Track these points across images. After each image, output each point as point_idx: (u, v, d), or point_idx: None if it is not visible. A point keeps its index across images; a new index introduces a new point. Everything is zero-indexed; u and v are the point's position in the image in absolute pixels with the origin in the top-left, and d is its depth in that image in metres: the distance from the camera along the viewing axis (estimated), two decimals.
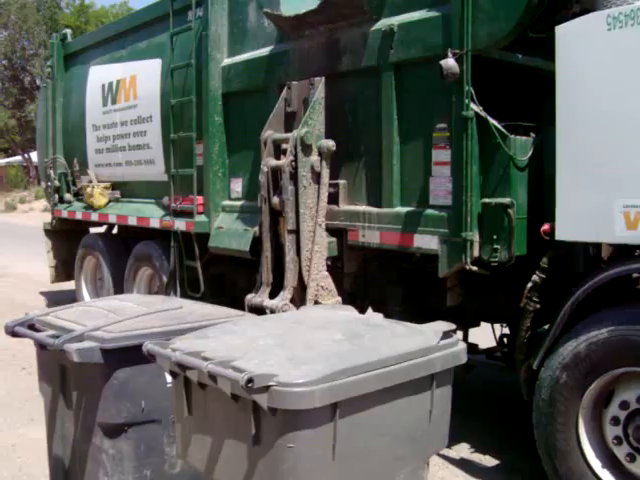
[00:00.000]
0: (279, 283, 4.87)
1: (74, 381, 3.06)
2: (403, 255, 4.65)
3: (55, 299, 9.53)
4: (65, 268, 9.14)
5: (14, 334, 3.19)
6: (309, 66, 5.03)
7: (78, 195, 8.54)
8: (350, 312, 3.07)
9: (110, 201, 7.91)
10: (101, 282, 8.08)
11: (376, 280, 5.13)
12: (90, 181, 8.15)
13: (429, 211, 4.26)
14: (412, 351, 2.44)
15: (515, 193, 3.87)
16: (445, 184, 4.15)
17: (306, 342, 2.45)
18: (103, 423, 2.96)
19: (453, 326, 2.69)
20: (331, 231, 4.93)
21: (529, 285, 3.83)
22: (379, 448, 2.38)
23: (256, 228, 5.52)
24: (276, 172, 4.83)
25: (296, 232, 4.73)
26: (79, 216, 8.27)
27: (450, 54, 3.89)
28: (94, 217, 7.95)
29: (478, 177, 3.98)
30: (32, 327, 3.21)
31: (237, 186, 6.02)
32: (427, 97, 4.28)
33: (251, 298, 4.88)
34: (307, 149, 4.74)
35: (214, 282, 6.48)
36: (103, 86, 7.84)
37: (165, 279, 6.70)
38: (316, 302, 4.84)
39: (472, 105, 3.90)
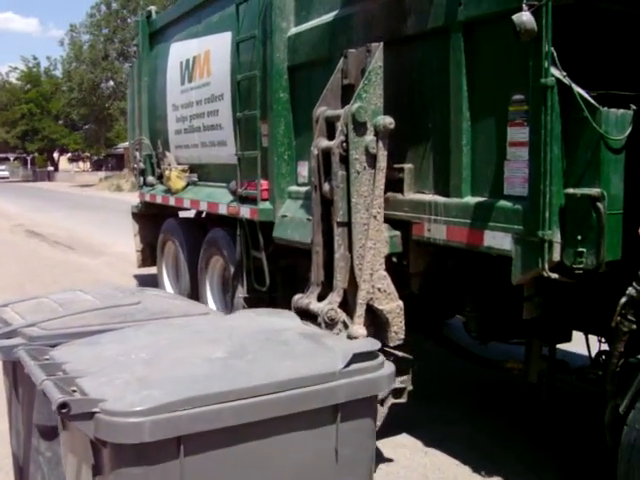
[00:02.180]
0: (332, 283, 4.25)
1: (19, 377, 2.76)
2: (477, 254, 3.88)
3: (144, 282, 9.38)
4: (152, 253, 8.92)
5: None
6: (373, 31, 4.32)
7: (161, 178, 8.27)
8: (280, 320, 2.76)
9: (188, 185, 7.55)
10: (179, 270, 7.77)
11: (448, 282, 4.39)
12: (169, 164, 7.83)
13: (502, 202, 3.48)
14: (299, 377, 2.01)
15: (607, 182, 3.03)
16: (522, 170, 3.35)
17: (176, 359, 2.11)
18: (39, 424, 2.61)
19: (377, 345, 2.25)
20: (395, 223, 4.24)
21: (623, 300, 3.01)
22: None
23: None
24: (328, 155, 4.17)
25: (347, 225, 4.06)
26: (159, 200, 7.99)
27: (525, 6, 3.09)
28: (171, 201, 7.63)
29: (560, 161, 3.16)
30: None
31: (304, 170, 5.42)
32: (501, 62, 3.49)
33: (297, 299, 4.27)
34: (360, 127, 4.00)
35: (283, 275, 5.94)
36: (181, 63, 7.47)
37: (232, 270, 6.25)
38: (369, 306, 4.17)
39: (553, 70, 3.09)
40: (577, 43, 3.26)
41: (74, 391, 1.93)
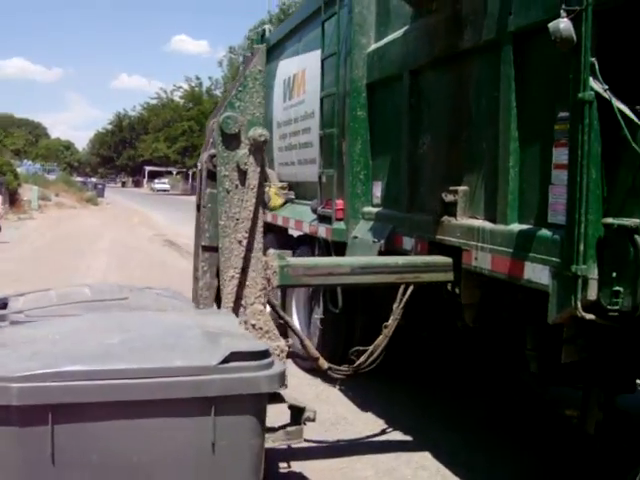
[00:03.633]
0: None
1: None
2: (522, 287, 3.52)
3: None
4: None
5: None
6: (435, 46, 4.10)
7: None
8: (205, 318, 2.85)
9: (286, 202, 7.57)
10: None
11: (506, 316, 4.02)
12: (270, 181, 7.90)
13: (544, 232, 3.13)
14: (171, 367, 2.15)
15: None
16: (564, 195, 2.99)
17: (76, 341, 2.31)
18: None
19: (265, 347, 2.30)
20: (447, 250, 3.96)
21: None
22: (124, 464, 2.11)
23: (383, 240, 4.74)
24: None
25: (215, 249, 3.57)
26: None
27: (563, 12, 2.76)
28: (269, 218, 7.66)
29: (599, 187, 2.78)
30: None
31: (378, 190, 5.25)
32: (549, 76, 3.16)
33: None
34: (231, 140, 3.48)
35: (363, 298, 5.76)
36: (284, 81, 7.55)
37: (311, 289, 6.15)
38: None
39: (592, 83, 2.73)
40: (627, 52, 2.87)
41: None
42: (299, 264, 3.93)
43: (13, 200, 25.79)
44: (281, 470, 4.13)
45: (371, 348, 4.22)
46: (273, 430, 3.08)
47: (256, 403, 2.22)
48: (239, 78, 3.62)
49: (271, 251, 3.87)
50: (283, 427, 3.31)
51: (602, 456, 3.94)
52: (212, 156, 3.52)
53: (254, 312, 3.53)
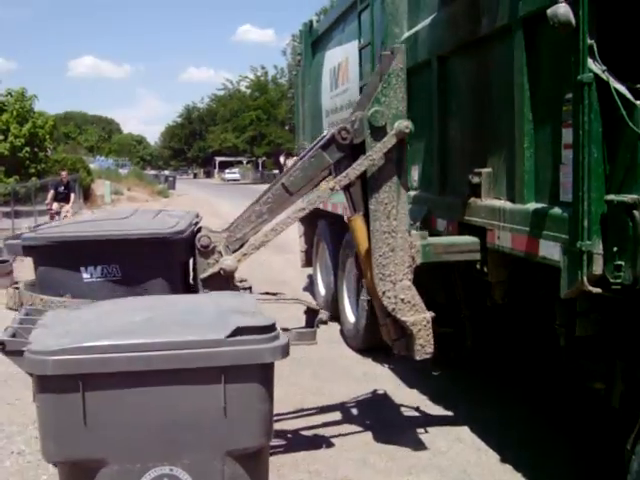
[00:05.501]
0: None
1: None
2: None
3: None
4: None
5: None
6: (458, 33, 4.22)
7: None
8: (224, 299, 3.05)
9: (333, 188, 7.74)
10: (327, 271, 8.01)
11: (530, 292, 4.13)
12: None
13: (556, 210, 3.25)
14: (186, 340, 2.41)
15: None
16: (571, 174, 3.10)
17: (106, 321, 2.59)
18: None
19: (271, 321, 2.57)
20: (473, 229, 4.11)
21: None
22: (147, 425, 2.40)
23: (419, 223, 4.90)
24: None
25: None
26: None
27: None
28: (320, 205, 7.87)
29: (601, 165, 2.88)
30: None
31: (415, 174, 5.40)
32: (556, 59, 3.25)
33: None
34: (378, 132, 3.90)
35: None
36: (331, 70, 7.73)
37: (358, 272, 6.34)
38: (393, 317, 4.05)
39: (591, 64, 2.83)
40: (629, 32, 2.94)
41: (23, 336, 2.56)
42: (439, 243, 4.24)
43: (87, 195, 26.87)
44: (319, 442, 4.38)
45: None
46: (287, 330, 3.41)
47: (262, 372, 2.45)
48: (383, 76, 3.97)
49: (413, 232, 4.20)
50: (297, 329, 3.79)
51: (626, 429, 4.02)
52: (342, 128, 3.97)
53: (403, 288, 3.96)
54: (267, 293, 4.23)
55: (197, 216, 4.36)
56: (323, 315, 3.91)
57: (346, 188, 4.07)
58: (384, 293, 3.97)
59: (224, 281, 3.78)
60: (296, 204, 4.14)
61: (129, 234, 3.60)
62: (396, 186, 3.94)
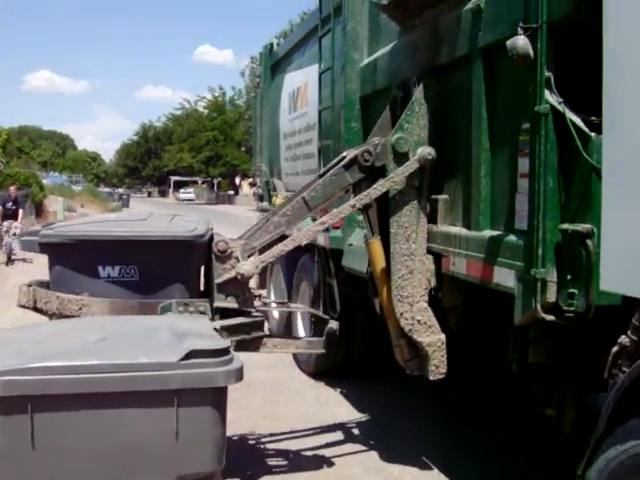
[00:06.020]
0: None
1: None
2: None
3: None
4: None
5: None
6: (417, 61, 4.27)
7: None
8: (177, 320, 3.06)
9: None
10: (281, 293, 7.97)
11: (483, 319, 4.17)
12: (277, 190, 8.10)
13: (511, 237, 3.29)
14: (136, 363, 2.37)
15: (598, 217, 2.77)
16: (526, 203, 3.15)
17: (57, 342, 2.56)
18: None
19: (225, 345, 2.54)
20: (433, 256, 4.14)
21: (614, 350, 2.71)
22: (97, 449, 2.35)
23: None
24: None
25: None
26: None
27: (520, 29, 2.93)
28: None
29: (556, 195, 2.93)
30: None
31: None
32: (514, 90, 3.31)
33: None
34: (401, 158, 4.03)
35: (362, 303, 5.93)
36: (289, 94, 7.76)
37: (312, 295, 6.34)
38: (409, 338, 4.11)
39: (548, 96, 2.89)
40: (586, 65, 3.01)
41: None
42: None
43: (39, 211, 26.33)
44: (272, 466, 4.32)
45: None
46: (297, 339, 3.56)
47: (215, 396, 2.43)
48: (409, 104, 4.08)
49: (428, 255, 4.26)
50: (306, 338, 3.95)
51: (577, 455, 4.06)
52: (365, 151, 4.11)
53: (420, 309, 4.06)
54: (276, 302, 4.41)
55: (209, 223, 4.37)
56: (333, 324, 4.13)
57: (365, 210, 4.22)
58: (402, 314, 4.05)
59: (239, 286, 3.86)
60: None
61: (151, 235, 3.60)
62: (416, 210, 4.05)
